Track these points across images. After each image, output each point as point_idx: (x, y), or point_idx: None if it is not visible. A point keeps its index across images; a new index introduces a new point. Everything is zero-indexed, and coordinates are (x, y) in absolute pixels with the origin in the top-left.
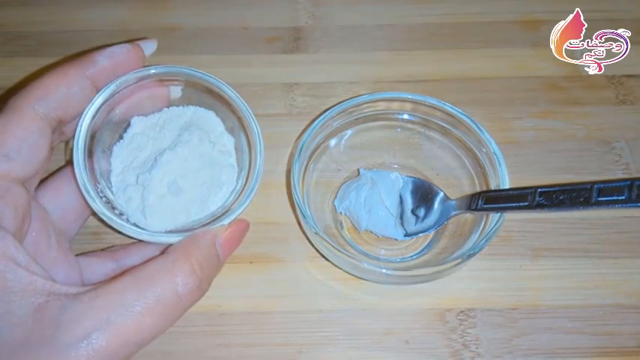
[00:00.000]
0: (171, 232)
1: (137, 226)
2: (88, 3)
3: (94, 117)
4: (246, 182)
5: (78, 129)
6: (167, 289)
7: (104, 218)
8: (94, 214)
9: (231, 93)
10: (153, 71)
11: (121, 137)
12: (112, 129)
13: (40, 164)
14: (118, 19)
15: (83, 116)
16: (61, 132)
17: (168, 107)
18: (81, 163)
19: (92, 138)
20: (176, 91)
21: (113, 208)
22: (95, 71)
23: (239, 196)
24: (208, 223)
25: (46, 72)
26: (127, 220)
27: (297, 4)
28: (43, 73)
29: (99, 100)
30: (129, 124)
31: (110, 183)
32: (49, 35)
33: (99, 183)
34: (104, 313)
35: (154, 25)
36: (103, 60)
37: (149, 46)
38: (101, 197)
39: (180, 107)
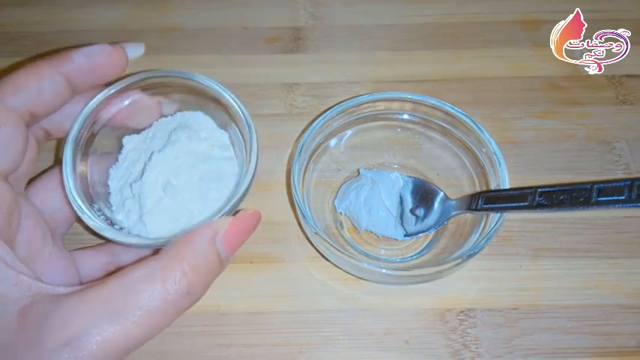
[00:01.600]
0: (175, 235)
1: (139, 236)
2: (88, 3)
3: (78, 135)
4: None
5: (65, 149)
6: (155, 297)
7: (97, 230)
8: (94, 233)
9: (214, 86)
10: (130, 80)
11: (116, 160)
12: (107, 146)
13: (19, 157)
14: (118, 19)
15: (68, 137)
16: (47, 132)
17: (158, 120)
18: (71, 180)
19: (84, 156)
20: (171, 107)
21: (113, 224)
22: (70, 69)
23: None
24: None
25: (18, 67)
26: (129, 233)
27: (297, 4)
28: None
29: (81, 116)
30: (122, 146)
31: (110, 204)
32: (48, 35)
33: (95, 204)
34: (88, 320)
35: (154, 25)
36: (80, 58)
37: (134, 50)
38: (99, 216)
39: (169, 117)
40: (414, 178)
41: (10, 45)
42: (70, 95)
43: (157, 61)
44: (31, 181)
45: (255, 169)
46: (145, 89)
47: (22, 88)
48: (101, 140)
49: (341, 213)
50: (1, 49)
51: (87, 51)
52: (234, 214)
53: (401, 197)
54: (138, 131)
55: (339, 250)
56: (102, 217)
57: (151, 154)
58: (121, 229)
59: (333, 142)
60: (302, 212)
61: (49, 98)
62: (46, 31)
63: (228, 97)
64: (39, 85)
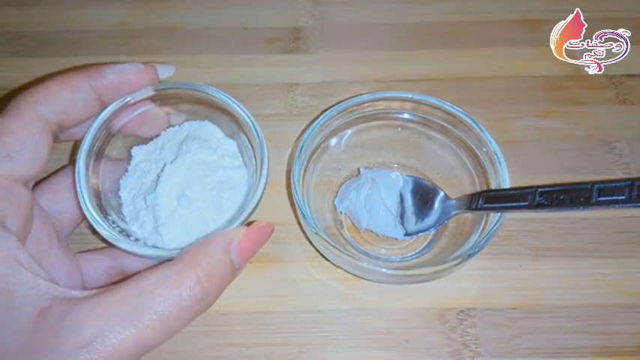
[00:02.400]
0: (191, 244)
1: (156, 247)
2: (88, 3)
3: (91, 145)
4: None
5: (78, 161)
6: (170, 302)
7: (114, 242)
8: (106, 241)
9: (223, 97)
10: (141, 92)
11: (126, 171)
12: (117, 155)
13: (42, 165)
14: (118, 19)
15: (81, 149)
16: (56, 137)
17: (165, 130)
18: (85, 192)
19: (95, 165)
20: (179, 117)
21: (128, 236)
22: (101, 84)
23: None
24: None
25: (51, 77)
26: (145, 244)
27: (297, 4)
28: (48, 78)
29: (94, 127)
30: (131, 157)
31: (122, 215)
32: (48, 35)
33: (109, 216)
34: (104, 322)
35: (154, 25)
36: (111, 74)
37: (165, 70)
38: (114, 227)
39: (177, 126)
40: (415, 177)
41: (10, 45)
42: (98, 109)
43: (157, 61)
44: (37, 183)
45: (267, 179)
46: (154, 100)
47: (54, 98)
48: (111, 150)
49: (341, 212)
50: (1, 49)
51: (119, 68)
52: (247, 225)
53: (401, 196)
54: (146, 141)
55: (339, 250)
56: (117, 228)
57: (164, 165)
58: (137, 240)
59: (333, 141)
60: (302, 212)
61: (79, 110)
62: (45, 31)
63: (237, 108)
64: (71, 95)
